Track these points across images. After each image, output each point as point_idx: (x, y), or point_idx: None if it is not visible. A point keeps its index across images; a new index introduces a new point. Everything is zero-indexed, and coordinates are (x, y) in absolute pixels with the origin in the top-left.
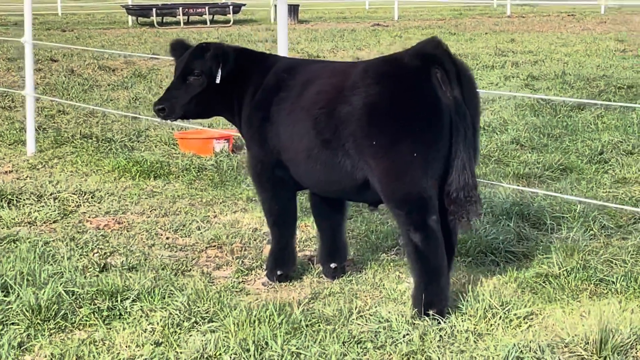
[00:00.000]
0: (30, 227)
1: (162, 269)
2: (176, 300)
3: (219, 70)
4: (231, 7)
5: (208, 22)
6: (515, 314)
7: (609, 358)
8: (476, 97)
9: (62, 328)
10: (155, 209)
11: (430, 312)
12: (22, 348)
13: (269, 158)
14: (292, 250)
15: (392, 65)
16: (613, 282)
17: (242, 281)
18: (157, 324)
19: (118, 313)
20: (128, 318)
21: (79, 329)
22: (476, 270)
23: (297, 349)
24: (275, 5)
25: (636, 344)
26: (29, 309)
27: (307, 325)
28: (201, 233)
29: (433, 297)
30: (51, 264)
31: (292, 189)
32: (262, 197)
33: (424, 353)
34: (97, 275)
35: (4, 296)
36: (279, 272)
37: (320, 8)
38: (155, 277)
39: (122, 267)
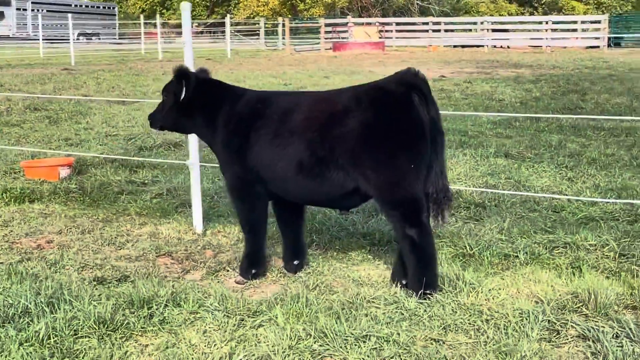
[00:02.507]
0: None
1: (147, 278)
2: (205, 303)
3: (183, 90)
4: None
5: None
6: (488, 288)
7: (607, 313)
8: (439, 115)
9: (129, 336)
10: (69, 229)
11: (429, 292)
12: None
13: (248, 176)
14: (263, 253)
15: (381, 92)
16: (517, 256)
17: (219, 282)
18: (212, 324)
19: (161, 318)
20: (175, 322)
21: (141, 336)
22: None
23: (364, 331)
24: None
25: (614, 302)
26: (97, 322)
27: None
28: (133, 245)
29: (429, 280)
30: (50, 281)
31: (266, 201)
32: (239, 208)
33: (457, 326)
34: (96, 288)
35: (51, 312)
36: (253, 271)
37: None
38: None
39: (114, 279)
